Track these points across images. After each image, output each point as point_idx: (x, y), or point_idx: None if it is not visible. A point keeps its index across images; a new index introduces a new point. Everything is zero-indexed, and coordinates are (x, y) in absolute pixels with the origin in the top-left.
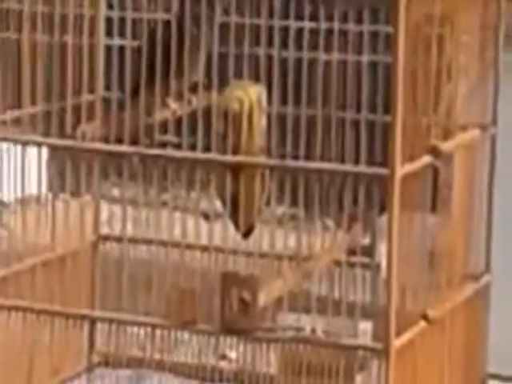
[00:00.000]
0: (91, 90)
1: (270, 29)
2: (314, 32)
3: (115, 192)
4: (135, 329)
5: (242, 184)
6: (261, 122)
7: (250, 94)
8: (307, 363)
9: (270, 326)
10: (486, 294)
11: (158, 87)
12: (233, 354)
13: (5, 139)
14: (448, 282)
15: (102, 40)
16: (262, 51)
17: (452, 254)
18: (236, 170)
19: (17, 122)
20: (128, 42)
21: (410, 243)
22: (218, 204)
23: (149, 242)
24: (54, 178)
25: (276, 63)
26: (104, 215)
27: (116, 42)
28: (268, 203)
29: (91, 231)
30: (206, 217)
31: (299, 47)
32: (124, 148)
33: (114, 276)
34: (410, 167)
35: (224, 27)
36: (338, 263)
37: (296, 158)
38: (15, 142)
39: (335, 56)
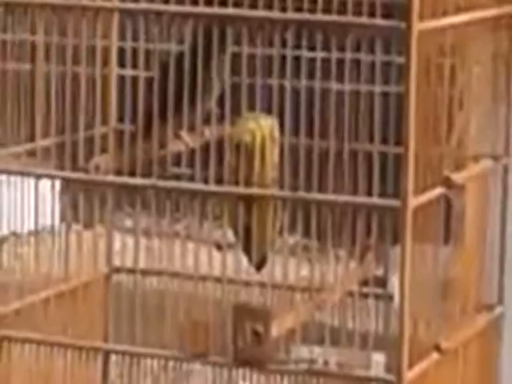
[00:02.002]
0: (104, 122)
1: (283, 58)
2: (326, 62)
3: (128, 223)
4: (148, 360)
5: (255, 216)
6: (273, 153)
7: (262, 126)
8: None
9: (283, 358)
10: (498, 324)
11: (171, 119)
12: None
13: (19, 173)
14: (461, 312)
15: (114, 71)
16: (274, 81)
17: (465, 285)
18: (248, 201)
19: (30, 154)
20: (141, 73)
21: (423, 274)
22: (231, 235)
23: (161, 273)
24: (67, 209)
25: (288, 93)
26: (117, 245)
27: (128, 72)
28: (280, 234)
29: (104, 263)
30: (219, 247)
31: (311, 77)
32: (137, 180)
33: (126, 307)
34: (422, 198)
35: (236, 57)
36: (350, 294)
37: (309, 189)
38: (28, 175)
39: (347, 86)
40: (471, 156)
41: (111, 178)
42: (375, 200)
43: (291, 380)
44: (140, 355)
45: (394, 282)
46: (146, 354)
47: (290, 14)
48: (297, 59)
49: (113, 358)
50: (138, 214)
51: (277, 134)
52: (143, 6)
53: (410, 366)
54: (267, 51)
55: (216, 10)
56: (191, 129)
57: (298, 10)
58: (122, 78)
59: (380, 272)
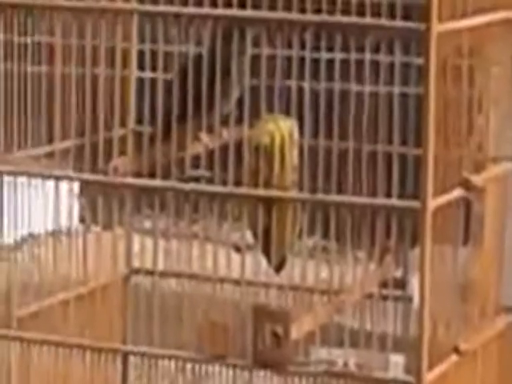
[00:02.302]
0: (123, 124)
1: (302, 60)
2: (345, 63)
3: (147, 224)
4: (166, 362)
5: (274, 218)
6: (292, 155)
7: (281, 128)
8: None
9: (303, 360)
10: None
11: (190, 121)
12: None
13: (38, 175)
14: (480, 314)
15: (134, 73)
16: (293, 83)
17: (484, 287)
18: (268, 203)
19: (49, 155)
20: (160, 75)
21: (442, 276)
22: (250, 236)
23: (180, 275)
24: (85, 211)
25: (307, 95)
26: (135, 247)
27: (148, 74)
28: (300, 236)
29: (123, 264)
30: (238, 249)
31: (330, 78)
32: (156, 182)
33: (145, 309)
34: (441, 200)
35: (255, 59)
36: (370, 296)
37: (328, 191)
38: (48, 177)
39: (367, 87)
40: (490, 158)
41: (130, 180)
42: (394, 202)
43: (310, 382)
44: (158, 357)
45: (413, 284)
46: (165, 356)
47: (309, 16)
48: (316, 61)
49: (131, 359)
50: (156, 215)
51: (296, 135)
52: (162, 8)
53: (430, 367)
54: (286, 53)
55: (235, 11)
56: (210, 130)
57: (317, 11)
58: (140, 80)
59: (399, 274)
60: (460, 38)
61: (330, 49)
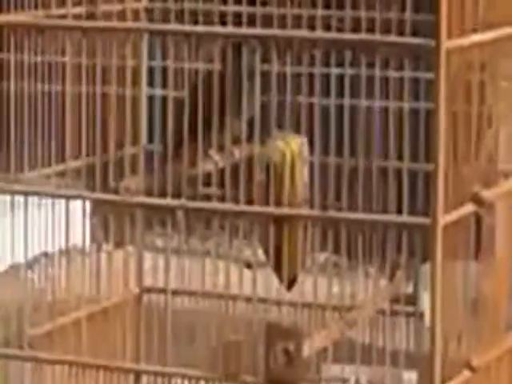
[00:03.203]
0: (134, 142)
1: (311, 76)
2: (355, 79)
3: (159, 242)
4: (179, 381)
5: (285, 235)
6: (303, 173)
7: (291, 146)
8: None
9: (315, 377)
10: None
11: (201, 139)
12: None
13: (49, 194)
14: (492, 329)
15: (144, 91)
16: (303, 99)
17: (496, 302)
18: (279, 221)
19: (61, 175)
20: (170, 93)
21: (454, 291)
22: (261, 253)
23: (192, 293)
24: (97, 229)
25: (317, 111)
26: (147, 265)
27: (158, 92)
28: (311, 252)
29: (135, 283)
30: (249, 266)
31: (340, 94)
32: (167, 201)
33: (157, 328)
34: (452, 216)
35: (265, 76)
36: (381, 312)
37: (338, 208)
38: (59, 197)
39: (377, 103)
40: (501, 172)
41: (141, 199)
42: (405, 218)
43: None
44: (171, 375)
45: (424, 300)
46: (178, 375)
47: (319, 33)
48: (326, 77)
49: (144, 378)
50: (168, 234)
51: (306, 153)
52: (172, 26)
53: (442, 383)
54: (296, 69)
55: (244, 30)
56: (221, 148)
57: (327, 28)
58: (151, 99)
59: (410, 289)
60: (469, 54)
61: (340, 65)
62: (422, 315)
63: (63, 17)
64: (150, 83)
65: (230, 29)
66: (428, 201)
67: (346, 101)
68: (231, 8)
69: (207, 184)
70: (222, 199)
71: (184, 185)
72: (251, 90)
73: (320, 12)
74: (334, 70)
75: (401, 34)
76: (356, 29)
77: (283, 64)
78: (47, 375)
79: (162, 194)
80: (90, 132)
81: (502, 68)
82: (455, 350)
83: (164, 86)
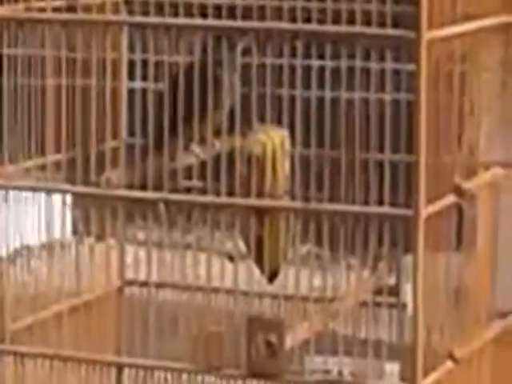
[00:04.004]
0: (114, 136)
1: (292, 68)
2: (336, 71)
3: (140, 235)
4: (162, 374)
5: (267, 227)
6: (284, 165)
7: (272, 138)
8: None
9: (297, 369)
10: None
11: (181, 132)
12: None
13: (30, 188)
14: (475, 320)
15: (124, 84)
16: (284, 91)
17: (478, 293)
18: (260, 213)
19: (41, 168)
20: (150, 86)
21: (436, 282)
22: (243, 245)
23: (174, 286)
24: (78, 223)
25: (298, 103)
26: (129, 258)
27: (138, 85)
28: (293, 244)
29: (116, 276)
30: (231, 258)
31: (321, 86)
32: (148, 194)
33: (139, 320)
34: (434, 207)
35: (246, 68)
36: (363, 303)
37: (320, 200)
38: (40, 190)
39: (357, 95)
40: (482, 163)
41: (122, 192)
42: (387, 210)
43: None
44: (153, 368)
45: (406, 291)
46: (160, 367)
47: (300, 25)
48: (306, 68)
49: (126, 371)
50: (150, 227)
51: (287, 145)
52: (152, 19)
53: (425, 375)
54: (277, 61)
55: (225, 22)
56: (202, 141)
57: (307, 20)
58: (131, 92)
59: (393, 281)
60: (450, 45)
61: (321, 56)
62: (404, 306)
63: (43, 10)
64: (131, 76)
65: (210, 21)
66: (409, 192)
67: (327, 93)
68: (211, 0)
69: (188, 177)
70: (204, 192)
71: (165, 178)
72: (232, 81)
73: (300, 4)
74: (315, 62)
75: (382, 25)
76: (337, 20)
77: (264, 56)
78: (29, 369)
79: (143, 186)
80: (70, 125)
81: (483, 59)
82: (438, 341)
83: (144, 78)
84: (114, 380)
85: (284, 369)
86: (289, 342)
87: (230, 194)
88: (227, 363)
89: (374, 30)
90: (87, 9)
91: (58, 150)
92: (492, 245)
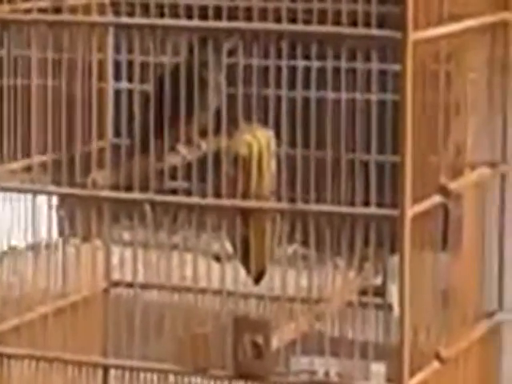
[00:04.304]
0: (100, 136)
1: (278, 69)
2: (322, 71)
3: (126, 235)
4: (148, 375)
5: (252, 228)
6: (270, 165)
7: (259, 139)
8: None
9: (284, 370)
10: (499, 331)
11: (167, 132)
12: None
13: (15, 189)
14: (461, 320)
15: (110, 85)
16: (270, 91)
17: (464, 292)
18: (246, 214)
19: (27, 169)
20: (136, 86)
21: (422, 282)
22: (229, 246)
23: (160, 287)
24: (64, 223)
25: (284, 103)
26: (115, 259)
27: (124, 85)
28: (279, 244)
29: (102, 277)
30: (218, 259)
31: (307, 87)
32: (134, 195)
33: (125, 321)
34: (419, 207)
35: (232, 68)
36: (350, 304)
37: (306, 201)
38: (25, 191)
39: (343, 95)
40: (468, 164)
41: (108, 193)
42: (373, 210)
43: None
44: (139, 369)
45: (393, 291)
46: (146, 369)
47: (285, 26)
48: (292, 69)
49: (112, 372)
50: (135, 227)
51: (273, 145)
52: (137, 20)
53: (411, 375)
54: (263, 62)
55: (210, 23)
56: (188, 142)
57: (293, 20)
58: (117, 93)
59: (379, 281)
60: (436, 45)
61: (307, 57)
62: (390, 307)
63: (28, 11)
64: (116, 77)
65: (196, 22)
66: (395, 192)
67: (313, 93)
68: (197, 1)
69: (174, 177)
70: (189, 193)
71: (151, 178)
72: (217, 81)
73: (286, 4)
74: (301, 63)
75: (367, 25)
76: (322, 21)
77: (249, 56)
78: (15, 371)
79: (129, 187)
80: (55, 126)
81: (469, 59)
82: (424, 342)
83: (130, 79)
84: (101, 381)
85: (270, 369)
86: (275, 342)
87: (217, 194)
88: (213, 364)
89: (359, 30)
90: (73, 10)
91: (43, 151)
92: (479, 244)
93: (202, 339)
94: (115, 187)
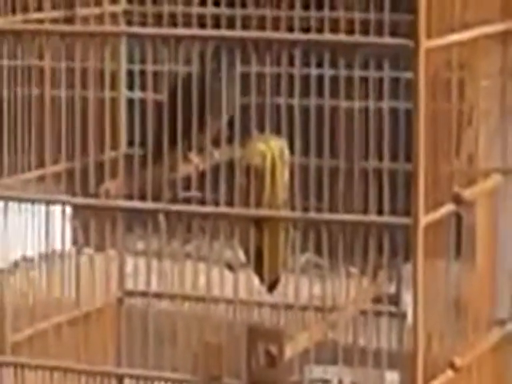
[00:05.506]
0: (114, 146)
1: (291, 77)
2: (335, 80)
3: (139, 245)
4: None
5: (266, 237)
6: (283, 175)
7: (272, 148)
8: None
9: (297, 379)
10: (511, 340)
11: (180, 142)
12: None
13: (29, 200)
14: (474, 328)
15: (123, 94)
16: (282, 100)
17: (477, 301)
18: (259, 223)
19: (41, 179)
20: (149, 96)
21: (436, 290)
22: (242, 255)
23: (174, 296)
24: (78, 233)
25: (297, 112)
26: (128, 268)
27: (137, 95)
28: (292, 253)
29: (116, 287)
30: (231, 267)
31: (320, 95)
32: (148, 205)
33: (139, 331)
34: (433, 216)
35: (244, 77)
36: (363, 312)
37: (319, 209)
38: (39, 202)
39: (356, 103)
40: (481, 171)
41: (122, 202)
42: (386, 219)
43: None
44: (153, 379)
45: (406, 300)
46: (160, 378)
47: (298, 35)
48: (305, 78)
49: (126, 382)
50: (149, 237)
51: (287, 155)
52: (150, 30)
53: (425, 383)
54: (275, 70)
55: (223, 32)
56: (201, 151)
57: (306, 29)
58: (130, 102)
59: (392, 289)
60: (449, 53)
61: (319, 65)
62: (404, 315)
63: (41, 21)
64: (130, 86)
65: (208, 31)
66: (409, 201)
67: (326, 101)
68: (210, 10)
69: (187, 187)
70: (203, 202)
71: (164, 188)
72: (230, 90)
73: (299, 13)
74: (314, 71)
75: (380, 34)
76: (335, 29)
77: (263, 65)
78: (29, 380)
79: (143, 197)
80: (69, 136)
81: (482, 67)
82: (438, 350)
83: (143, 89)
84: None
85: (284, 379)
86: (289, 351)
87: (230, 204)
88: (227, 373)
89: (372, 38)
90: (85, 20)
91: (57, 161)
92: (491, 252)
93: (215, 348)
94: (129, 197)
